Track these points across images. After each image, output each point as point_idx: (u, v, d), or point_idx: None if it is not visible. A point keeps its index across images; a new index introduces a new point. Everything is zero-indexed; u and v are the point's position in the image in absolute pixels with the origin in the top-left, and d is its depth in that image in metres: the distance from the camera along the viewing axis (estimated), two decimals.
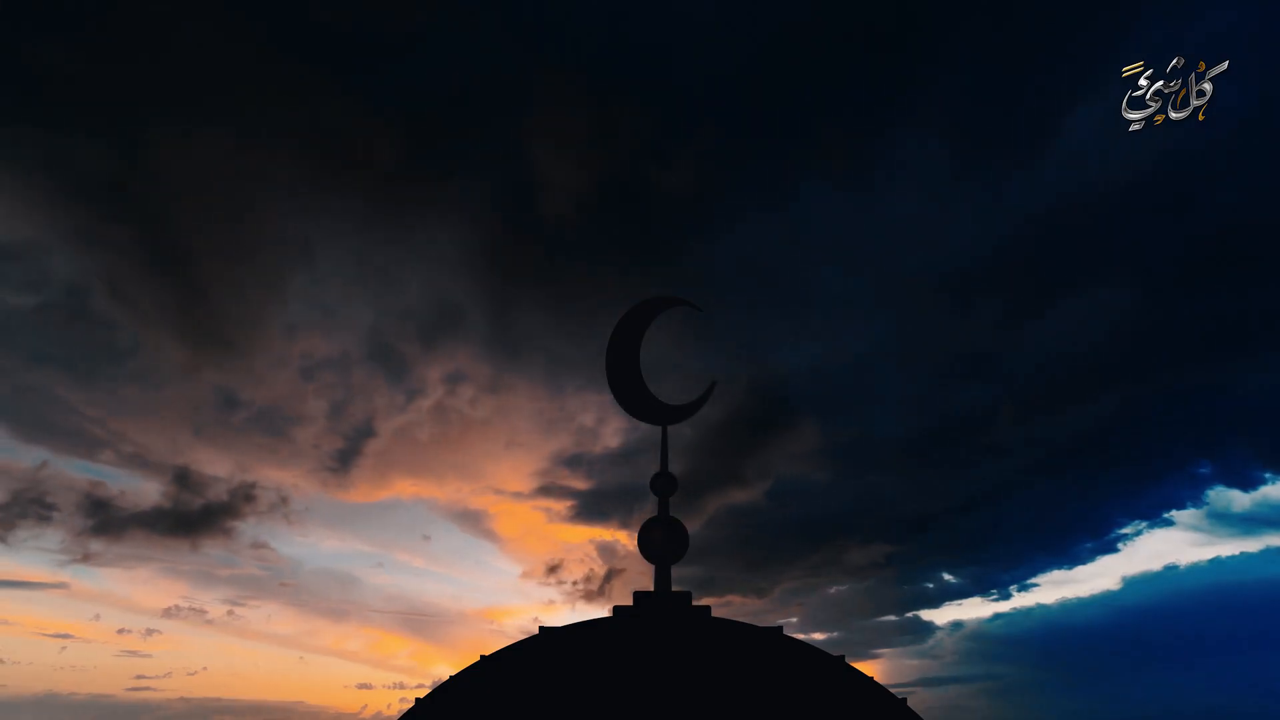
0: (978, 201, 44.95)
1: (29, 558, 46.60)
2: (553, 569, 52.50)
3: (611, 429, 48.08)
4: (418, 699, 14.58)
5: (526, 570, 57.43)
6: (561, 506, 51.15)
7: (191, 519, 47.83)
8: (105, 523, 46.93)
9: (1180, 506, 57.25)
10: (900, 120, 43.91)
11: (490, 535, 56.71)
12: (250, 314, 45.16)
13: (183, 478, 47.65)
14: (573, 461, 50.31)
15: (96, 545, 47.40)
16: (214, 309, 44.57)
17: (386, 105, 41.51)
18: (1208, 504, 57.13)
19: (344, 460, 49.67)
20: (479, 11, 39.71)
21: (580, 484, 50.14)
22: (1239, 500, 56.40)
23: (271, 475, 49.91)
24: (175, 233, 42.12)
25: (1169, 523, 57.95)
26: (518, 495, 52.05)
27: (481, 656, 14.91)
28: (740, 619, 15.49)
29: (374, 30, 39.25)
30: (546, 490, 50.96)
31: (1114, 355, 47.70)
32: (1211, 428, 52.05)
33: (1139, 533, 57.98)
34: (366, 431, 49.76)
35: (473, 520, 55.87)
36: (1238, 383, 48.32)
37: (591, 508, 49.41)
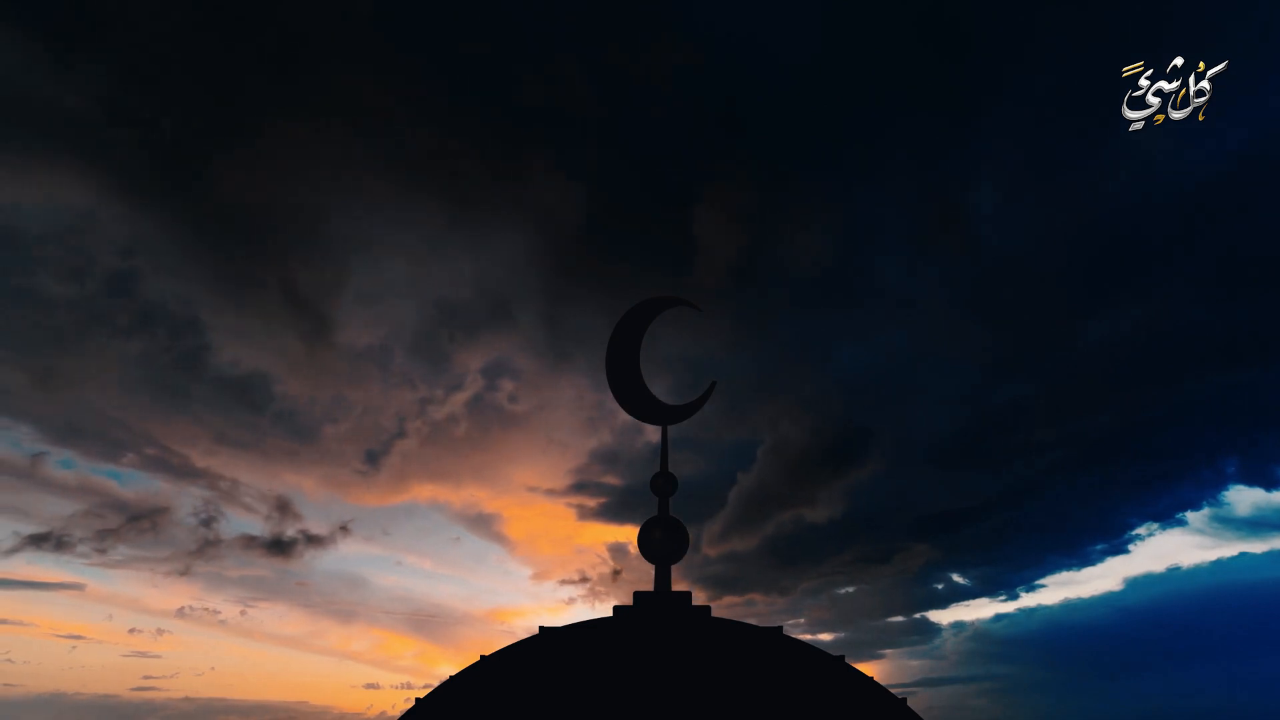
0: (1034, 203, 45.23)
1: (46, 559, 46.81)
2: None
3: (653, 428, 47.81)
4: (417, 699, 14.60)
5: (553, 573, 57.35)
6: (595, 503, 51.05)
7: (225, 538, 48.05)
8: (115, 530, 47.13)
9: (1196, 507, 57.16)
10: (972, 121, 44.43)
11: (516, 538, 56.67)
12: (285, 309, 45.16)
13: (215, 485, 47.80)
14: (608, 459, 50.26)
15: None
16: (246, 301, 44.61)
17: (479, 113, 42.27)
18: (1224, 504, 57.03)
19: (372, 460, 49.66)
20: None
21: (615, 482, 50.00)
22: (1252, 501, 56.25)
23: (292, 479, 49.89)
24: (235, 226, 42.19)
25: (1181, 523, 57.84)
26: (550, 493, 51.99)
27: (481, 656, 14.93)
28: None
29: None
30: (579, 488, 50.89)
31: (1149, 355, 47.93)
32: (1240, 426, 51.96)
33: (1151, 534, 57.88)
34: (397, 432, 49.71)
35: (501, 523, 55.86)
36: (1269, 381, 48.30)
37: (622, 508, 49.36)
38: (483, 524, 56.54)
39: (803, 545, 54.46)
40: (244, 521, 51.40)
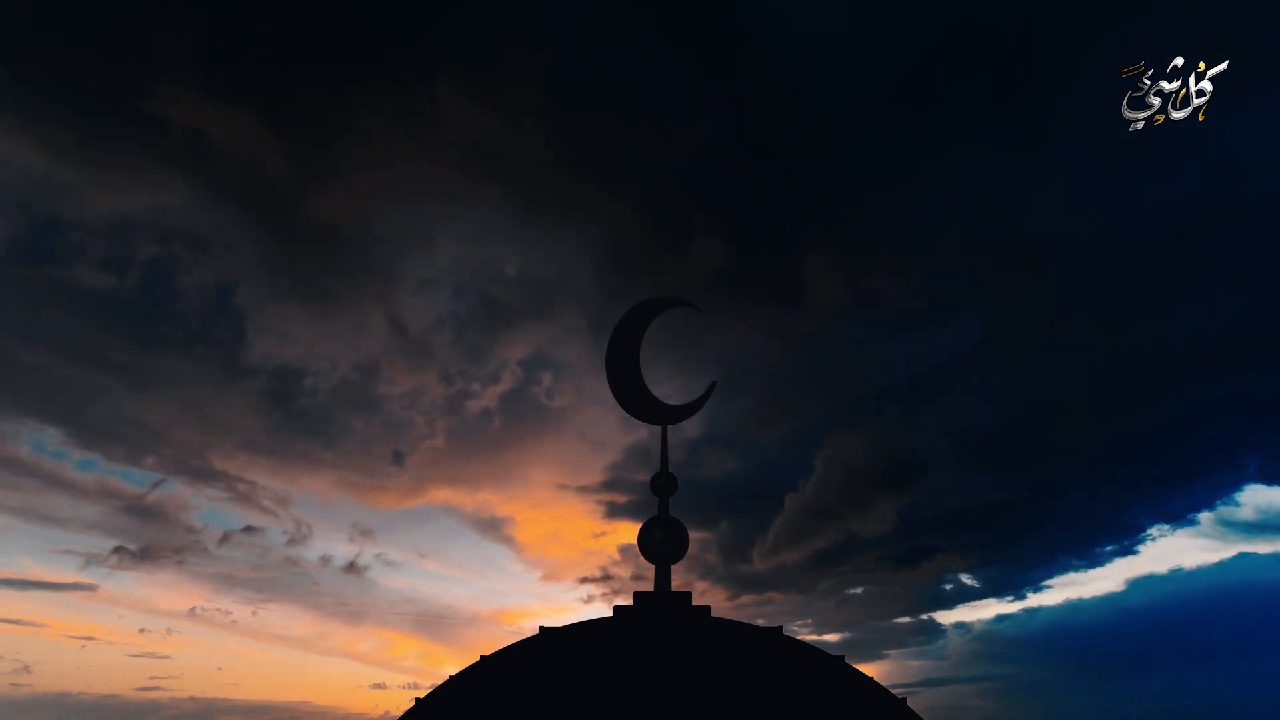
0: (1053, 207, 45.11)
1: (57, 560, 46.90)
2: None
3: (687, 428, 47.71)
4: (417, 699, 14.62)
5: (577, 572, 57.12)
6: (624, 500, 50.85)
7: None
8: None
9: (1210, 508, 56.86)
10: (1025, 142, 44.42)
11: (533, 539, 56.44)
12: (310, 302, 44.86)
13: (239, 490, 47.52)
14: (639, 460, 50.11)
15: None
16: (278, 296, 44.35)
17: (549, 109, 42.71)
18: (1236, 505, 56.76)
19: (397, 460, 49.46)
20: None
21: (641, 479, 49.54)
22: (1257, 503, 55.92)
23: (309, 482, 49.65)
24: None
25: (1193, 524, 57.54)
26: (583, 490, 51.71)
27: (481, 656, 14.93)
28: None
29: None
30: (609, 485, 50.67)
31: (1164, 355, 47.89)
32: (1258, 426, 51.63)
33: (1162, 535, 57.68)
34: (425, 434, 49.44)
35: (516, 525, 55.60)
36: None
37: (639, 508, 48.93)
38: (498, 525, 56.39)
39: (826, 547, 54.47)
40: (258, 523, 51.53)
